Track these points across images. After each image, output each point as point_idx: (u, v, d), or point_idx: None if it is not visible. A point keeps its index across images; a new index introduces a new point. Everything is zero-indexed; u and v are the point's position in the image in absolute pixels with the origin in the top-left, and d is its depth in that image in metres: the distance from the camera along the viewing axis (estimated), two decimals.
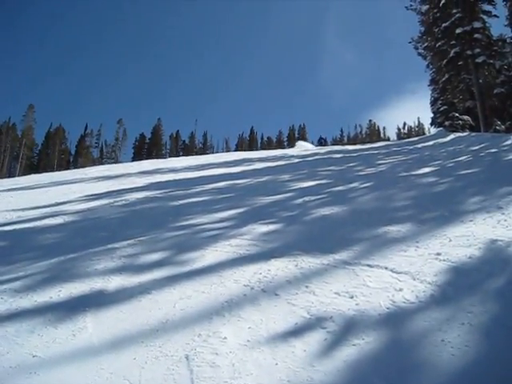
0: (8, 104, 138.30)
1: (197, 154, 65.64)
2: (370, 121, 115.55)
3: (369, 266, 4.64)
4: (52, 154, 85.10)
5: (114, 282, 4.82)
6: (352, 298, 3.93)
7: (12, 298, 4.59)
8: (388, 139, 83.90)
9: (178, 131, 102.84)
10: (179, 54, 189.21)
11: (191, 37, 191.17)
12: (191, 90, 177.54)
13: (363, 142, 51.57)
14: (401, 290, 3.99)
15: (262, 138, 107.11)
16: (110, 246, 6.10)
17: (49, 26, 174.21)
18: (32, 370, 3.24)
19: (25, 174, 38.60)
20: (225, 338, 3.49)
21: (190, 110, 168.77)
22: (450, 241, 5.18)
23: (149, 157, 63.79)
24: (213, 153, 69.43)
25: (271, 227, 6.50)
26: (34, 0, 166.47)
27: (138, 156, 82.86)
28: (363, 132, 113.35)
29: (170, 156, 74.93)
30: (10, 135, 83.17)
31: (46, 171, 32.87)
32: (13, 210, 9.65)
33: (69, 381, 3.11)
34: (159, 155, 77.59)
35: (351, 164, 14.84)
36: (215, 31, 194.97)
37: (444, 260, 4.59)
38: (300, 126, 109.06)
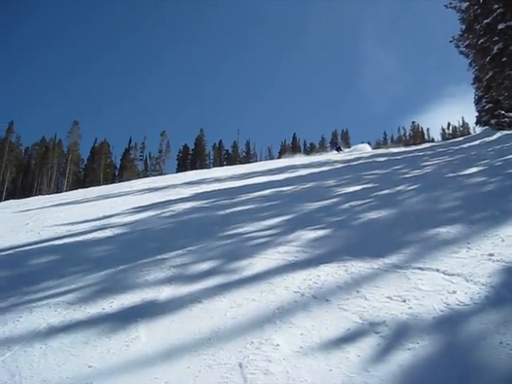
0: (54, 121, 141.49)
1: (240, 162, 65.84)
2: (414, 122, 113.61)
3: (420, 268, 4.57)
4: (98, 169, 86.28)
5: (165, 292, 4.85)
6: (404, 301, 3.88)
7: (65, 310, 4.66)
8: (432, 140, 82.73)
9: (220, 141, 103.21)
10: (217, 62, 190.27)
11: (229, 44, 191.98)
12: (232, 99, 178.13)
13: (407, 144, 50.78)
14: (454, 292, 3.91)
15: (304, 145, 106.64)
16: (159, 256, 6.15)
17: (90, 40, 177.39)
18: (88, 381, 3.28)
19: (72, 189, 39.33)
20: (277, 345, 3.47)
21: (232, 119, 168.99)
22: (503, 241, 5.08)
23: (193, 167, 64.16)
24: (256, 161, 69.36)
25: (319, 233, 6.46)
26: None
27: (182, 167, 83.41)
28: (407, 134, 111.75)
29: (213, 166, 75.26)
30: (56, 151, 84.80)
31: (93, 185, 33.34)
32: (62, 225, 9.84)
33: None
34: (203, 165, 78.00)
35: (396, 167, 14.69)
36: (253, 38, 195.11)
37: (497, 260, 4.50)
38: (343, 130, 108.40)
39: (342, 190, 10.36)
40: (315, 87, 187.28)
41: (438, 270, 4.45)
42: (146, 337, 3.91)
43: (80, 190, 25.87)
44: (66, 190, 51.29)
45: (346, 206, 8.37)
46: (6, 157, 77.84)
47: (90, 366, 3.48)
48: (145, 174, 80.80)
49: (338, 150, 43.78)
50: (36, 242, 8.32)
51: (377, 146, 77.15)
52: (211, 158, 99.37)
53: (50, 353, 3.78)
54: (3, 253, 7.66)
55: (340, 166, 18.51)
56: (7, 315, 4.66)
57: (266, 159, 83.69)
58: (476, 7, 30.50)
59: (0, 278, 6.11)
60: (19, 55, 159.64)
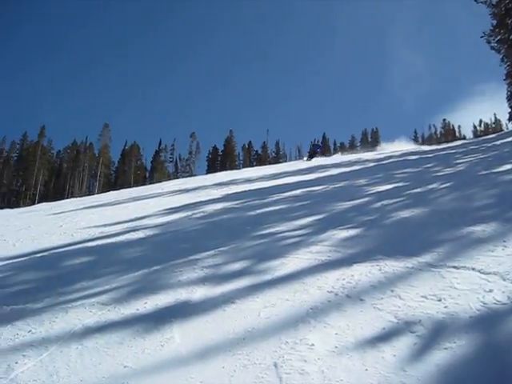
0: (85, 124, 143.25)
1: (270, 163, 65.83)
2: (444, 120, 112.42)
3: (455, 267, 4.51)
4: (128, 171, 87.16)
5: (198, 293, 4.86)
6: (440, 300, 3.83)
7: (100, 310, 4.70)
8: (464, 138, 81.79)
9: (250, 142, 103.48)
10: (246, 63, 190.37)
11: (258, 45, 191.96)
12: (262, 100, 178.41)
13: (439, 142, 50.09)
14: (491, 291, 3.85)
15: (334, 144, 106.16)
16: (191, 257, 6.17)
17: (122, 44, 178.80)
18: (124, 380, 3.30)
19: (103, 191, 39.77)
20: (312, 344, 3.46)
21: (262, 119, 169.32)
22: None
23: (222, 169, 64.34)
24: (286, 161, 69.27)
25: (351, 232, 6.42)
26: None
27: (211, 168, 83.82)
28: (437, 132, 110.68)
29: (243, 167, 75.30)
30: (87, 154, 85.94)
31: (124, 187, 33.63)
32: (95, 226, 9.94)
33: None
34: (233, 167, 78.12)
35: (428, 165, 14.51)
36: (281, 38, 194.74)
37: None
38: (373, 129, 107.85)
39: (374, 189, 10.27)
40: (345, 87, 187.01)
41: (473, 269, 4.39)
42: (180, 337, 3.92)
43: (111, 192, 26.14)
44: (97, 193, 51.78)
45: (378, 205, 8.31)
46: (39, 160, 79.14)
47: (125, 366, 3.51)
48: (175, 175, 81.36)
49: (312, 155, 34.14)
50: (70, 244, 8.42)
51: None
52: (241, 158, 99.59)
53: (86, 353, 3.82)
54: (38, 254, 7.77)
55: (371, 164, 18.38)
56: (43, 315, 4.72)
57: (296, 159, 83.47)
58: (507, 1, 30.10)
59: (36, 280, 6.20)
60: (45, 58, 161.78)
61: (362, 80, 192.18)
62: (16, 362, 3.76)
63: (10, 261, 7.54)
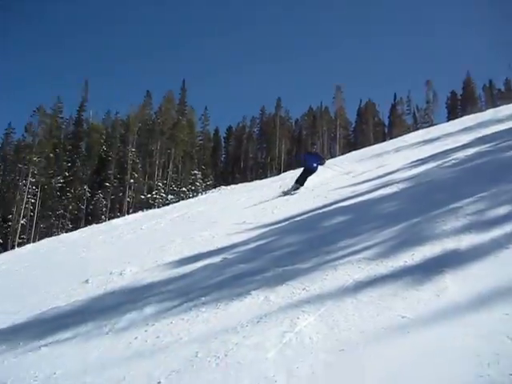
0: (317, 89, 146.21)
1: None
2: None
3: None
4: (366, 129, 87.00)
5: (466, 241, 4.71)
6: None
7: (368, 265, 4.78)
8: None
9: (490, 81, 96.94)
10: None
11: None
12: None
13: None
14: None
15: None
16: (451, 206, 6.00)
17: None
18: (404, 330, 3.32)
19: (344, 153, 40.40)
20: None
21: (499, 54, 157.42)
22: None
23: (463, 114, 61.50)
24: None
25: None
26: None
27: (452, 115, 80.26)
28: None
29: (486, 109, 71.30)
30: (324, 118, 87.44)
31: (364, 147, 33.71)
32: (347, 186, 10.18)
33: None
34: (475, 110, 74.36)
35: None
36: None
37: None
38: None
39: None
40: None
41: None
42: (454, 286, 3.83)
43: (353, 152, 26.44)
44: (338, 155, 52.60)
45: None
46: (279, 131, 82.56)
47: (403, 317, 3.51)
48: (414, 127, 79.39)
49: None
50: (324, 206, 8.78)
51: None
52: (482, 100, 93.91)
53: (361, 306, 3.90)
54: (296, 218, 8.26)
55: None
56: (314, 274, 4.94)
57: None
58: None
59: (299, 242, 6.54)
60: None
61: None
62: (298, 317, 3.98)
63: (272, 227, 8.05)
